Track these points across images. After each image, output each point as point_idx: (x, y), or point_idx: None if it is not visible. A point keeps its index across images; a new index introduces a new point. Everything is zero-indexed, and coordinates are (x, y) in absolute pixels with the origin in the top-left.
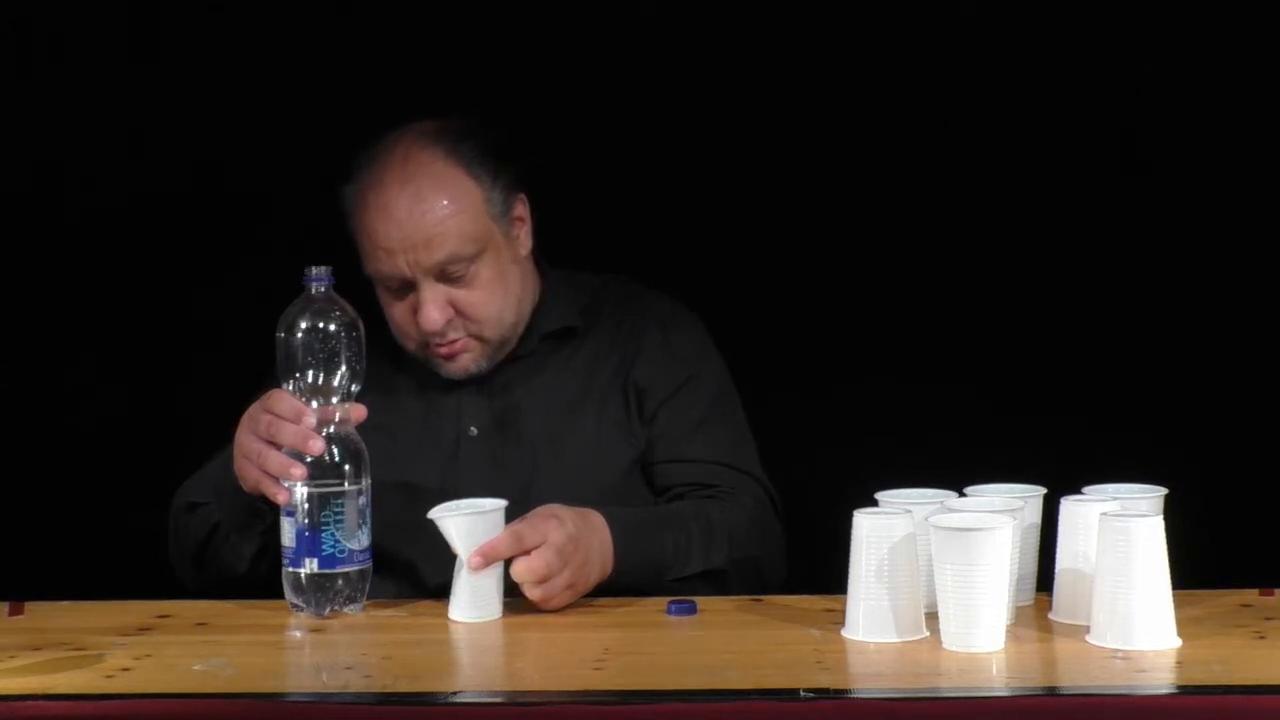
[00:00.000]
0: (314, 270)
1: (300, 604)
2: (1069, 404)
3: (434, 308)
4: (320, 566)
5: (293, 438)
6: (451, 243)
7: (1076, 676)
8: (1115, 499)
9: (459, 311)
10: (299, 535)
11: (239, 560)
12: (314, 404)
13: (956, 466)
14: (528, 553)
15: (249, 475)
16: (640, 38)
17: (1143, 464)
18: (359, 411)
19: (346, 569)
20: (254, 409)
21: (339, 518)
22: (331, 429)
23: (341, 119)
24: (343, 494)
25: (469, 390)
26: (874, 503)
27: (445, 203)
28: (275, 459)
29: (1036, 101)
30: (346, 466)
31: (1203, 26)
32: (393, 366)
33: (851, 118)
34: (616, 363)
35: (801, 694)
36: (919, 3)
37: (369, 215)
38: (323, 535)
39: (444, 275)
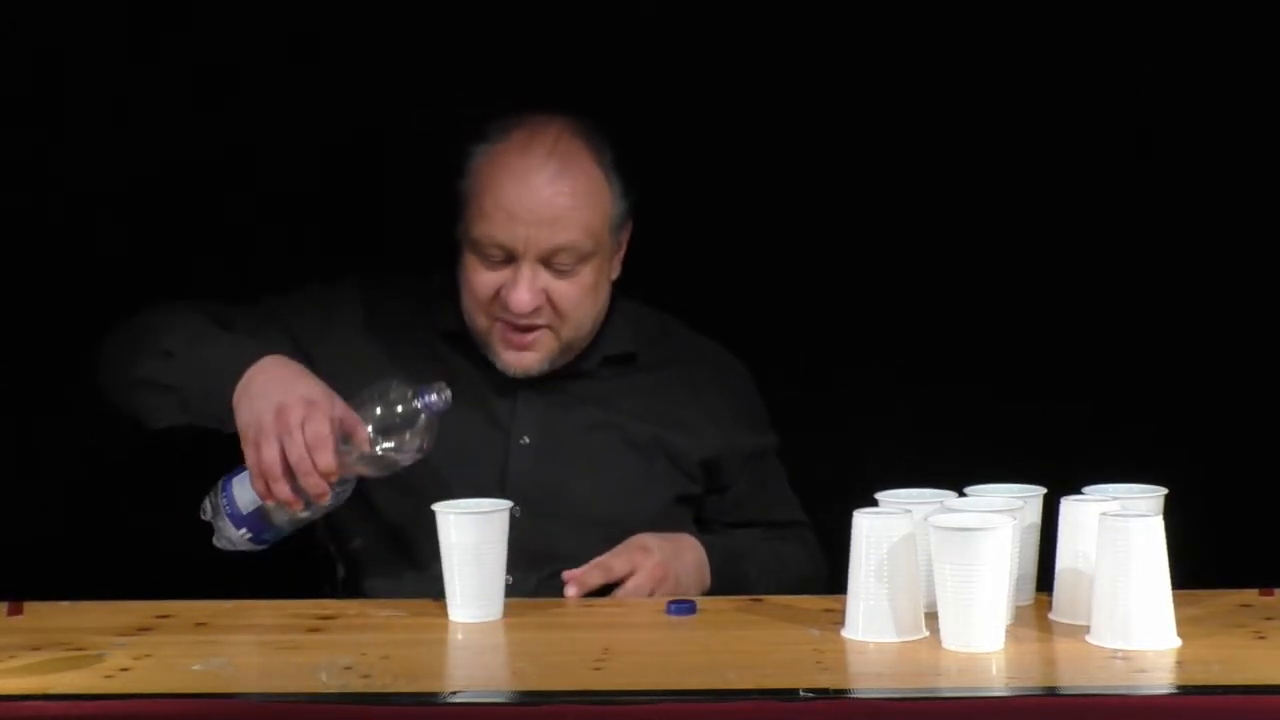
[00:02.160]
0: (442, 400)
1: (208, 518)
2: (1069, 404)
3: (528, 290)
4: (252, 541)
5: (313, 490)
6: (574, 232)
7: (1076, 676)
8: (1115, 499)
9: (549, 300)
10: (254, 514)
11: (155, 420)
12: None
13: (956, 466)
14: (619, 582)
15: (250, 460)
16: (640, 31)
17: (1143, 464)
18: (363, 468)
19: (268, 545)
20: (296, 411)
21: (293, 525)
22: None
23: (348, 123)
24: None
25: (525, 400)
26: (874, 503)
27: (582, 194)
28: (283, 493)
29: (1038, 101)
30: (338, 502)
31: (1202, 26)
32: (451, 375)
33: (853, 118)
34: (677, 401)
35: (801, 694)
36: (923, 10)
37: (502, 176)
38: (270, 530)
39: (549, 262)
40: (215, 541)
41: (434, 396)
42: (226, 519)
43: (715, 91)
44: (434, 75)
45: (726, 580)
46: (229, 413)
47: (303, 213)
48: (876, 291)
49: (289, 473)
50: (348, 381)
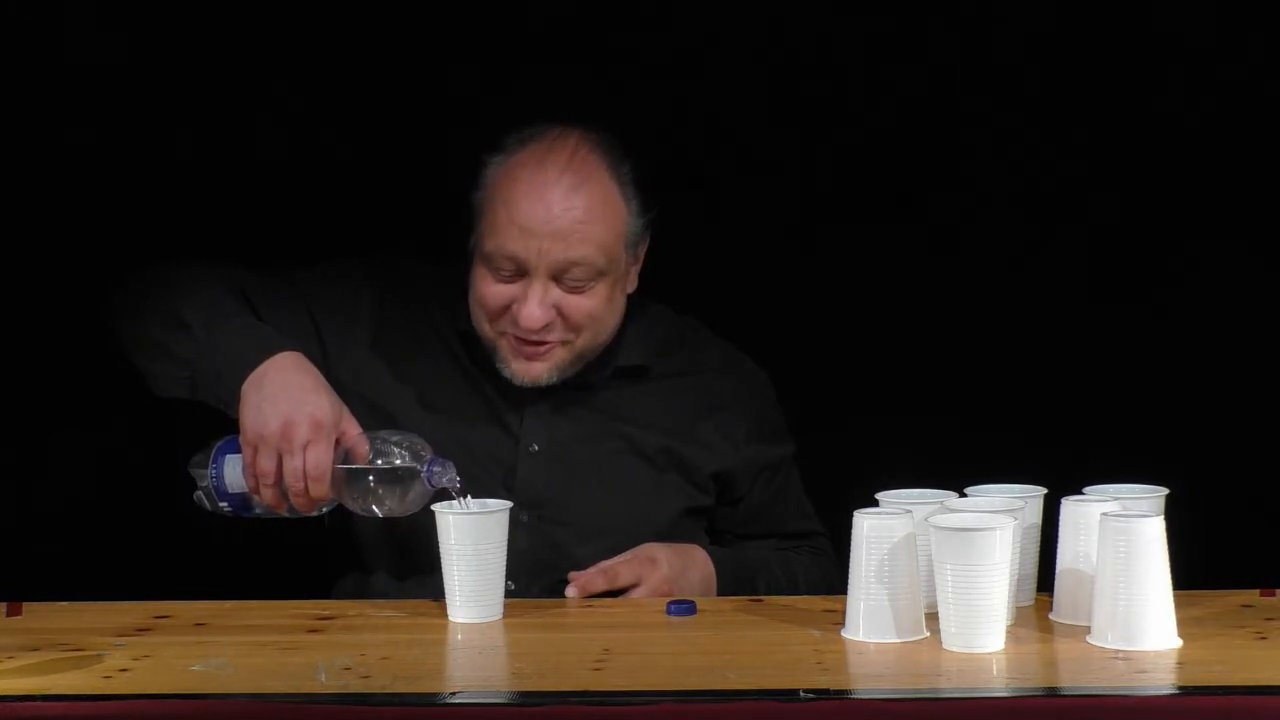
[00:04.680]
0: (447, 478)
1: (197, 474)
2: (1069, 404)
3: (538, 306)
4: (231, 513)
5: (301, 509)
6: (588, 248)
7: (1077, 677)
8: (1116, 499)
9: (560, 314)
10: (238, 496)
11: (159, 387)
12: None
13: (957, 467)
14: (622, 591)
15: (246, 458)
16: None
17: (1143, 464)
18: (354, 502)
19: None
20: (302, 430)
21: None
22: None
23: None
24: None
25: (534, 408)
26: (874, 503)
27: (597, 209)
28: (270, 497)
29: (1040, 108)
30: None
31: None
32: (464, 375)
33: (862, 129)
34: (690, 413)
35: (801, 694)
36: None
37: (517, 190)
38: (250, 513)
39: (560, 278)
40: (194, 496)
41: (438, 469)
42: (213, 489)
43: (733, 101)
44: (457, 79)
45: (736, 593)
46: (235, 399)
47: (325, 201)
48: (879, 292)
49: (280, 483)
50: (360, 372)
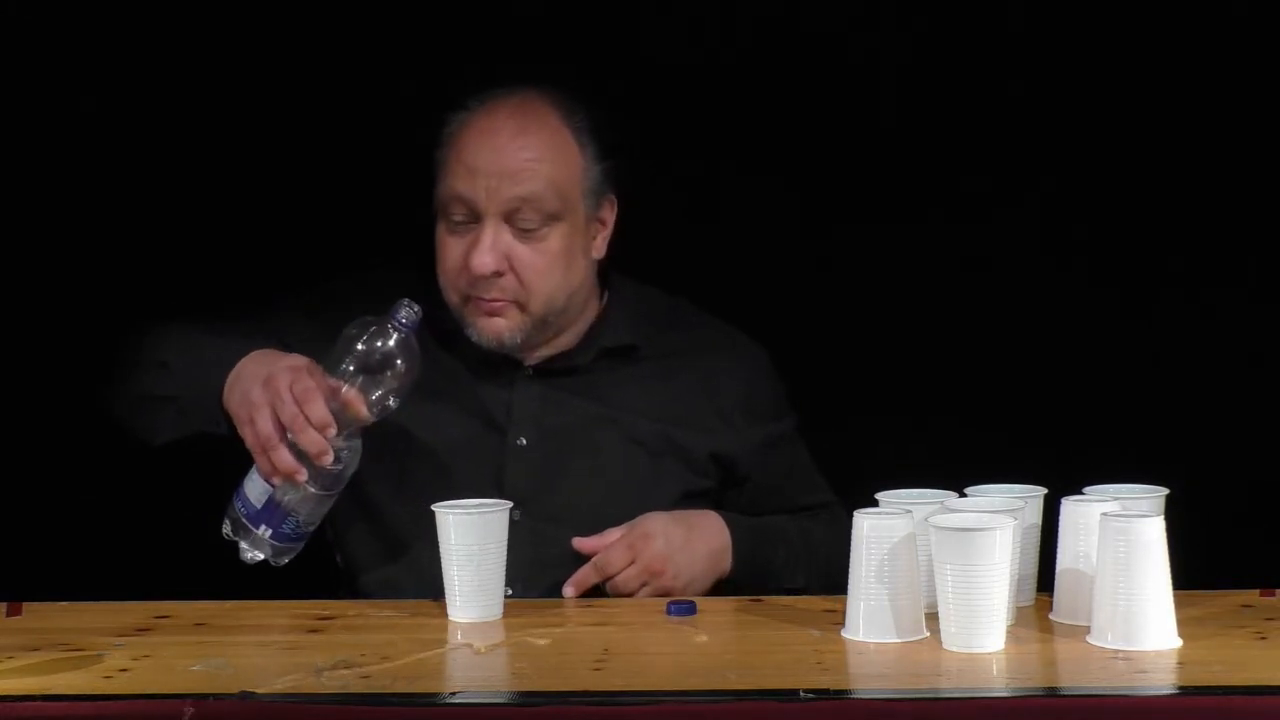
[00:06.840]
0: (412, 312)
1: (231, 534)
2: (1069, 404)
3: (489, 251)
4: (274, 538)
5: (311, 446)
6: (538, 184)
7: (1077, 677)
8: (1115, 499)
9: (513, 267)
10: (268, 505)
11: (155, 435)
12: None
13: (957, 467)
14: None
15: (249, 439)
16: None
17: (1143, 464)
18: (357, 408)
19: (293, 545)
20: (283, 377)
21: (311, 514)
22: (343, 442)
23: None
24: (330, 499)
25: (520, 399)
26: (874, 503)
27: (546, 148)
28: (284, 460)
29: (1028, 112)
30: (346, 471)
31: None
32: (445, 374)
33: (861, 108)
34: (683, 394)
35: (801, 694)
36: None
37: (468, 135)
38: (289, 522)
39: (512, 218)
40: (242, 556)
41: (403, 313)
42: (245, 521)
43: (735, 93)
44: (435, 67)
45: (750, 567)
46: (222, 410)
47: (296, 207)
48: (879, 291)
49: (287, 441)
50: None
